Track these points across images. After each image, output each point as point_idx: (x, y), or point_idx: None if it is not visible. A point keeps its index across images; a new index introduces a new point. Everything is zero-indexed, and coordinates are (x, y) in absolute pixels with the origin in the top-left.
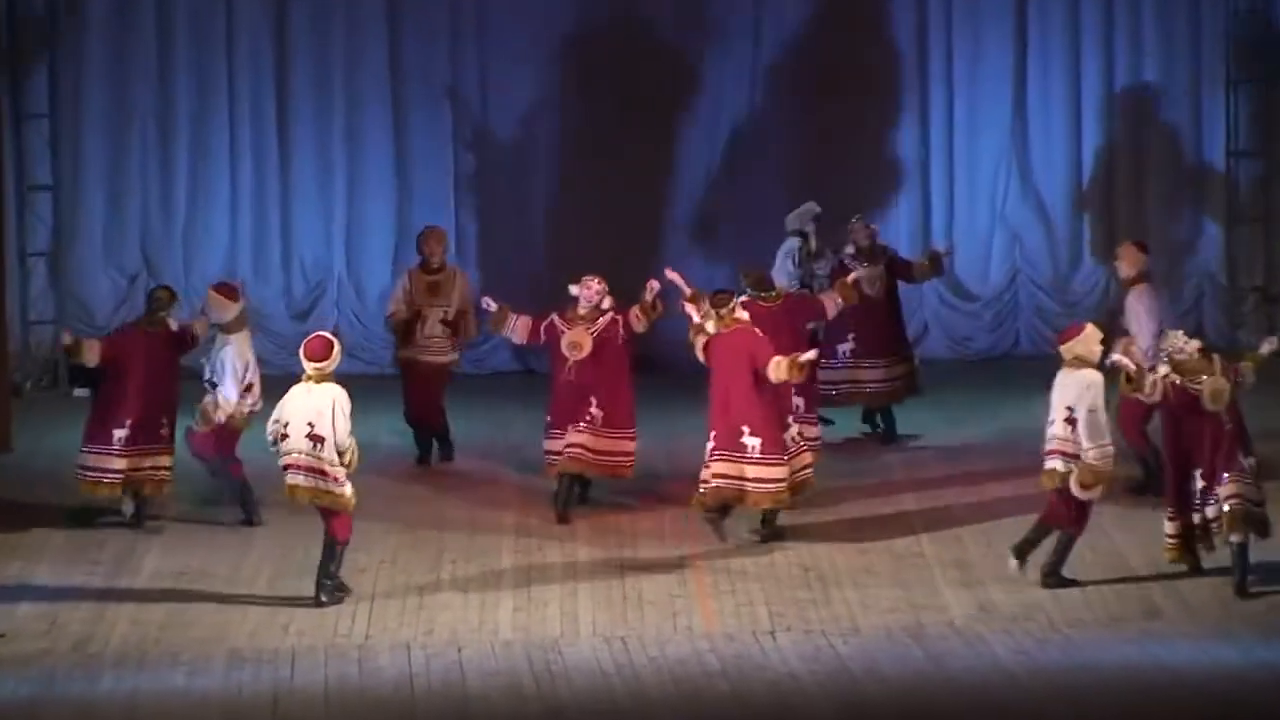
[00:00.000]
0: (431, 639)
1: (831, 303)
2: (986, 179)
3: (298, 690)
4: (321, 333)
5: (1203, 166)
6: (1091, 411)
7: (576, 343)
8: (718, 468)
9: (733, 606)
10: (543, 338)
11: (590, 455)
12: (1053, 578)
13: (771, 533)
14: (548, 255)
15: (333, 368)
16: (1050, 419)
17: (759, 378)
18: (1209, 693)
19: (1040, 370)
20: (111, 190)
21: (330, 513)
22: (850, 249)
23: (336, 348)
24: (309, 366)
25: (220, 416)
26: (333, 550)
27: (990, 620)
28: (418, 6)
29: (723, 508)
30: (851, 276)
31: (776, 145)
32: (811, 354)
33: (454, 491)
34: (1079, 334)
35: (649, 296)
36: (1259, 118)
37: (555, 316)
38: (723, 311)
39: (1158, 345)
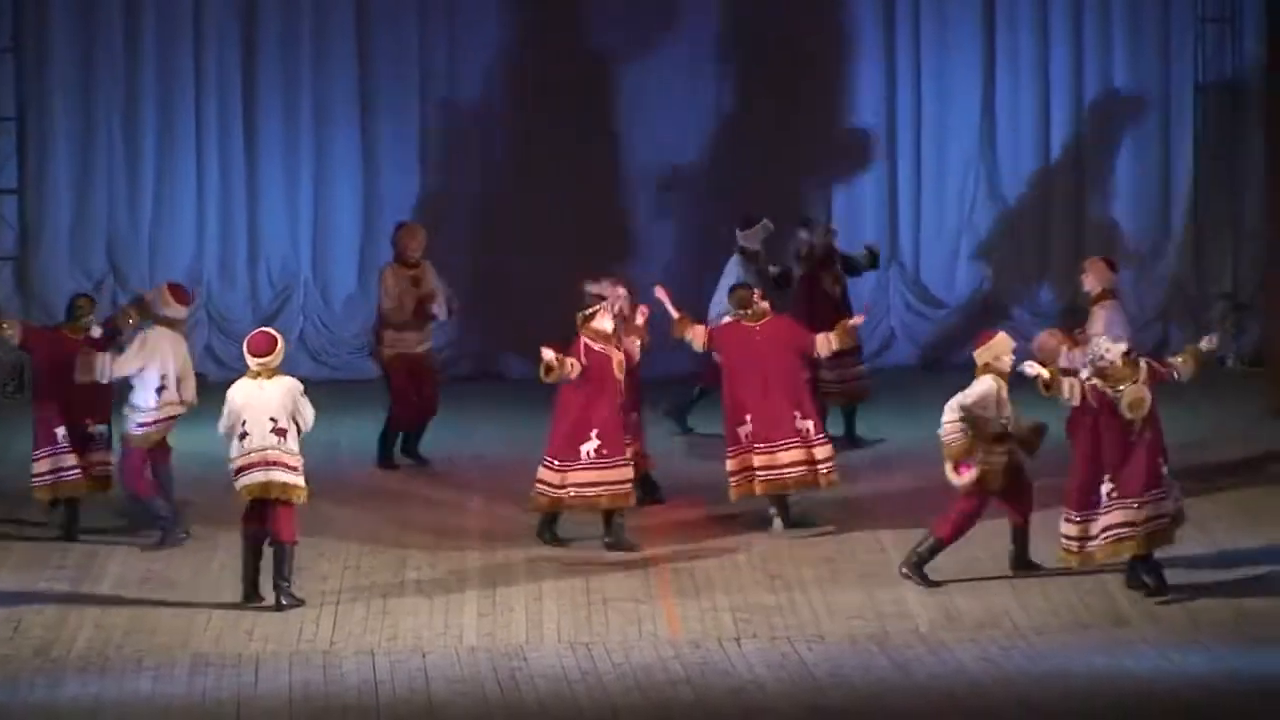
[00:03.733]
0: (395, 645)
1: (825, 342)
2: (954, 187)
3: (261, 696)
4: (264, 328)
5: (1170, 173)
6: (964, 405)
7: (630, 354)
8: (769, 459)
9: (697, 612)
10: (584, 363)
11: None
12: (913, 570)
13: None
14: (514, 256)
15: (278, 362)
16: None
17: (800, 364)
18: (1177, 701)
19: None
20: (77, 194)
21: (282, 512)
22: (802, 244)
23: (280, 342)
24: (254, 362)
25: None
26: (284, 552)
27: (956, 627)
28: (387, 9)
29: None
30: (852, 322)
31: (742, 148)
32: (859, 319)
33: (418, 496)
34: (989, 341)
35: (640, 320)
36: (1227, 124)
37: (585, 340)
38: (749, 308)
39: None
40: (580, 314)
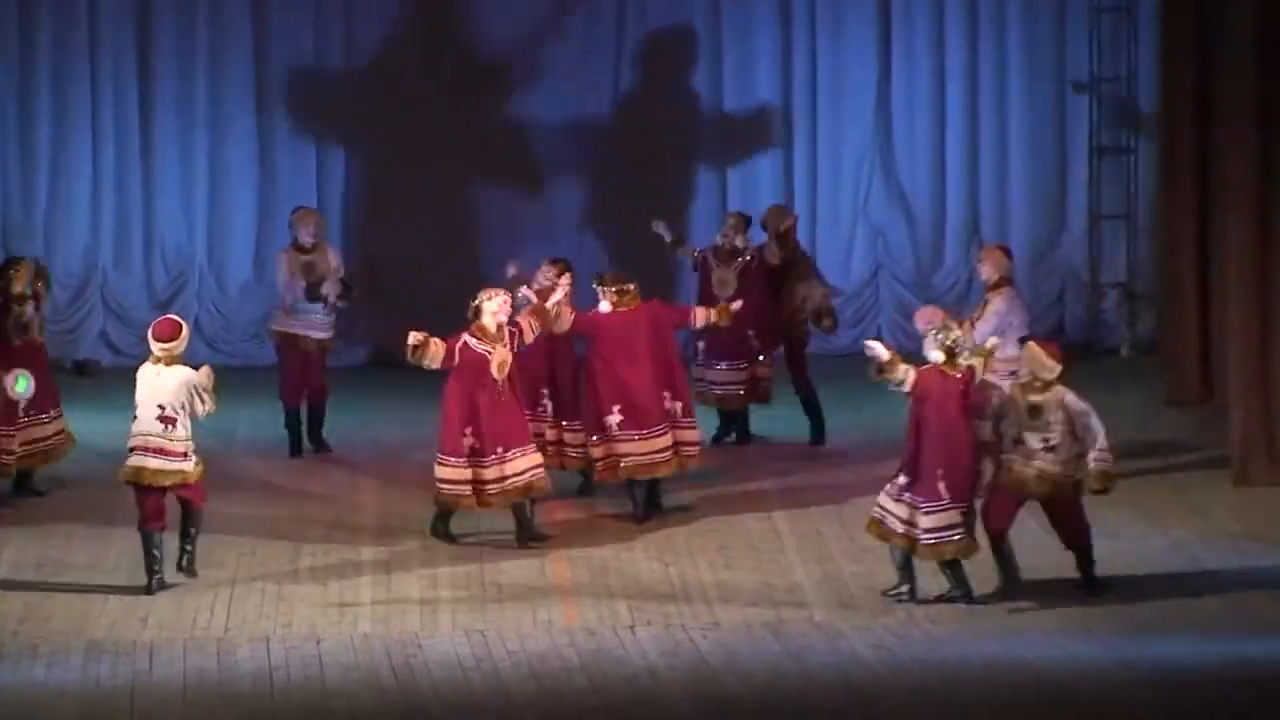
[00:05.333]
0: (290, 632)
1: (703, 314)
2: (850, 173)
3: (156, 683)
4: (171, 315)
5: (1066, 163)
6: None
7: (504, 362)
8: (635, 446)
9: (592, 601)
10: (457, 359)
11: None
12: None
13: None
14: (413, 240)
15: (181, 349)
16: None
17: (673, 344)
18: (1069, 691)
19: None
20: None
21: (179, 487)
22: (716, 243)
23: (185, 330)
24: (157, 347)
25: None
26: (193, 514)
27: (850, 616)
28: None
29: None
30: (735, 305)
31: (638, 130)
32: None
33: (314, 484)
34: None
35: (548, 303)
36: (1122, 115)
37: (466, 337)
38: (619, 291)
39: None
40: (472, 307)
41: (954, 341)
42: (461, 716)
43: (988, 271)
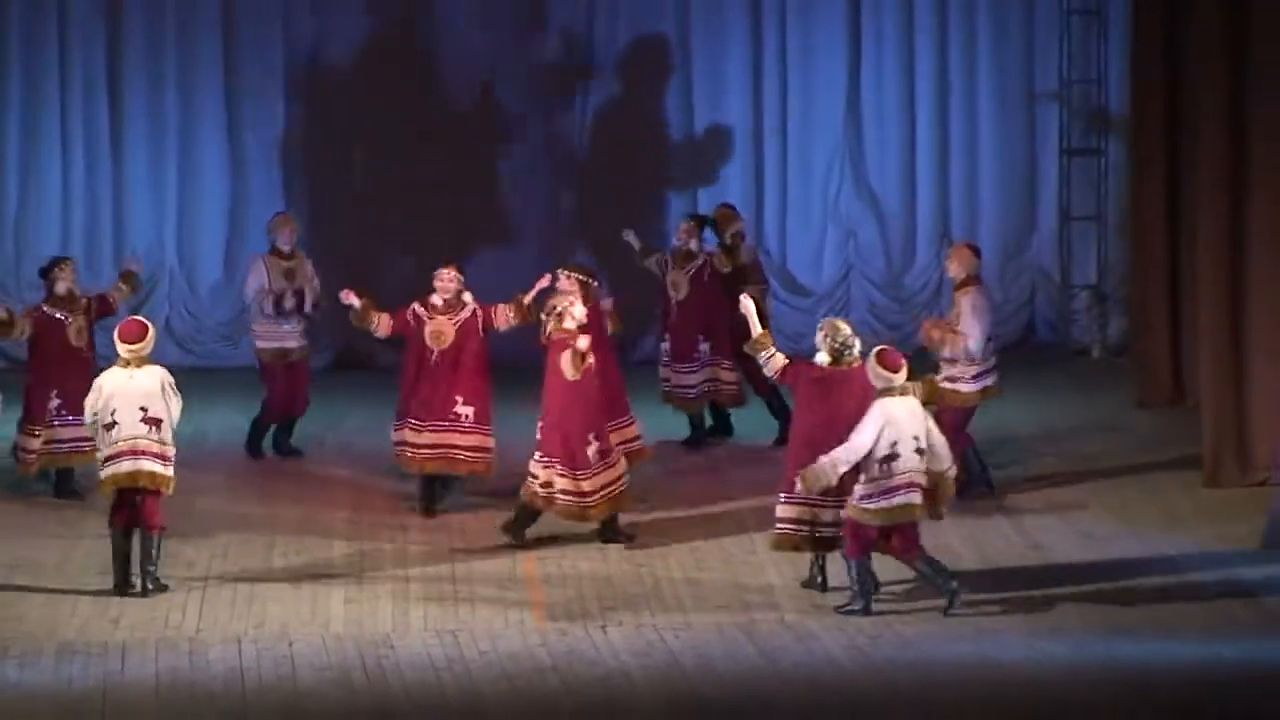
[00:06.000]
0: (262, 632)
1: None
2: (820, 174)
3: (128, 684)
4: (135, 316)
5: (1036, 164)
6: None
7: (439, 332)
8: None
9: (564, 600)
10: (408, 326)
11: (462, 454)
12: None
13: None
14: (381, 244)
15: (148, 350)
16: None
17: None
18: (1041, 691)
19: None
20: None
21: (149, 500)
22: (674, 245)
23: (151, 330)
24: (125, 349)
25: None
26: (152, 540)
27: (822, 616)
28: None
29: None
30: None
31: (608, 135)
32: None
33: (285, 483)
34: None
35: (527, 299)
36: (1092, 116)
37: (416, 305)
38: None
39: (982, 347)
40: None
41: (842, 343)
42: (433, 717)
43: (955, 270)
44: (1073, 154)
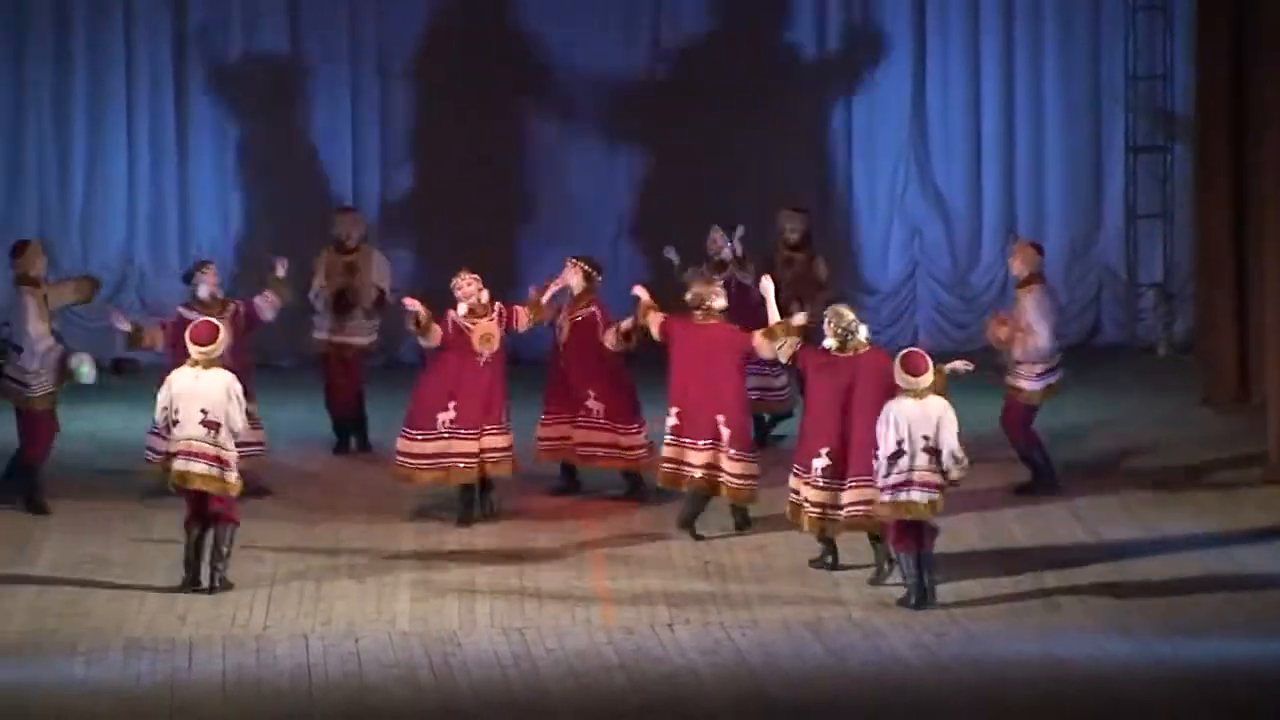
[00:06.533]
0: (329, 629)
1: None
2: (886, 173)
3: (195, 680)
4: (208, 318)
5: (1102, 162)
6: None
7: (489, 335)
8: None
9: (631, 599)
10: (451, 336)
11: (495, 455)
12: None
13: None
14: (446, 240)
15: (219, 352)
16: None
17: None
18: (1107, 689)
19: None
20: (8, 181)
21: (216, 497)
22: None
23: (223, 333)
24: (195, 351)
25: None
26: (223, 533)
27: (889, 614)
28: None
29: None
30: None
31: (672, 145)
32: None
33: (352, 480)
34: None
35: (540, 298)
36: (1157, 114)
37: (453, 314)
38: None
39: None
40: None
41: (845, 328)
42: (499, 715)
43: (1018, 268)
44: (1138, 151)
